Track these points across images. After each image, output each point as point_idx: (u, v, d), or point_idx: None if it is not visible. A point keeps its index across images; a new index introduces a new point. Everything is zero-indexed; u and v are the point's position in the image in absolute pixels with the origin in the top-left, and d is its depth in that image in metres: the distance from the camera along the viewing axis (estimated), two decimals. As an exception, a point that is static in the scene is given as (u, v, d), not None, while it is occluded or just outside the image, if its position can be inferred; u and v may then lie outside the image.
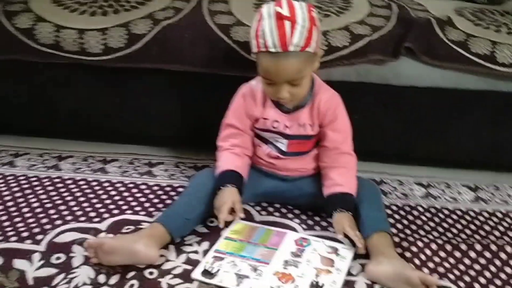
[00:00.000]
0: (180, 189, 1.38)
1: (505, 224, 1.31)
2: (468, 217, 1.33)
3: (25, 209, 1.27)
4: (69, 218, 1.25)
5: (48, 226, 1.21)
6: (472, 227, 1.30)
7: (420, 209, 1.36)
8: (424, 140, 1.48)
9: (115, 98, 1.48)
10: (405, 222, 1.30)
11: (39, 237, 1.17)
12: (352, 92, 1.38)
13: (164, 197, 1.35)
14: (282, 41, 1.06)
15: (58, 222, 1.23)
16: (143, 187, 1.39)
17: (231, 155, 1.25)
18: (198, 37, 1.37)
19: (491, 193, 1.45)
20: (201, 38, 1.37)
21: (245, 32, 1.36)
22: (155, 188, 1.39)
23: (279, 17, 1.07)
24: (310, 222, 1.28)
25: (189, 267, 1.09)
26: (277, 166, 1.29)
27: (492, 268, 1.14)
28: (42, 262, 1.09)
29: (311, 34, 1.08)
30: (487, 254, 1.17)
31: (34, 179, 1.40)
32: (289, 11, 1.07)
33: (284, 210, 1.32)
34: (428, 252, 1.17)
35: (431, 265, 1.14)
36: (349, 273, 1.10)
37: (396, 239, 1.21)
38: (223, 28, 1.38)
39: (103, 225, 1.23)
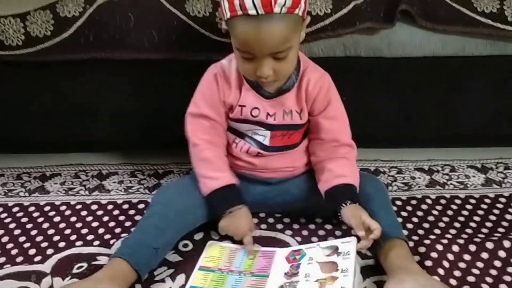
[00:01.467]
0: (141, 206, 1.15)
1: (527, 209, 1.14)
2: (484, 206, 1.15)
3: None
4: (1, 260, 0.99)
5: (-26, 278, 0.94)
6: (492, 217, 1.11)
7: (429, 201, 1.17)
8: (422, 117, 1.29)
9: (48, 99, 1.22)
10: (415, 220, 1.11)
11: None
12: (337, 69, 1.16)
13: (121, 218, 1.11)
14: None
15: (-13, 269, 0.96)
16: (94, 207, 1.15)
17: (215, 154, 1.03)
18: (145, 15, 1.12)
19: (502, 173, 1.27)
20: (149, 17, 1.12)
21: (204, 4, 1.12)
22: (110, 207, 1.15)
23: None
24: (304, 232, 1.07)
25: (163, 314, 0.86)
26: (258, 166, 1.07)
27: (527, 268, 0.96)
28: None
29: None
30: (520, 251, 0.99)
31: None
32: None
33: (271, 220, 1.11)
34: (450, 257, 0.98)
35: (457, 273, 0.94)
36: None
37: (410, 243, 1.00)
38: (176, 2, 1.13)
39: (47, 266, 0.97)
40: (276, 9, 0.85)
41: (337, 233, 1.06)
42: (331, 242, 0.97)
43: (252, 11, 0.85)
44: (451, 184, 1.23)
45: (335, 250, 0.94)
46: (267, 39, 0.88)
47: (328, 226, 1.08)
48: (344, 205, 0.95)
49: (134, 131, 1.29)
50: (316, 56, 1.15)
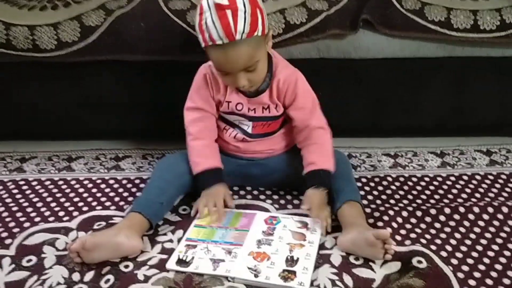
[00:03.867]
0: (150, 181, 1.37)
1: (471, 186, 1.34)
2: (436, 183, 1.36)
3: (-9, 215, 1.24)
4: (37, 219, 1.23)
5: (16, 230, 1.18)
6: (440, 191, 1.32)
7: (389, 179, 1.38)
8: (389, 111, 1.50)
9: (74, 94, 1.45)
10: (375, 193, 1.32)
11: (7, 241, 1.15)
12: (314, 68, 1.39)
13: (134, 190, 1.34)
14: (227, 31, 1.02)
15: (27, 224, 1.20)
16: (111, 182, 1.37)
17: (203, 149, 1.23)
18: (154, 24, 1.34)
19: (457, 157, 1.48)
20: (157, 26, 1.34)
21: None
22: (124, 182, 1.37)
23: (219, 8, 1.02)
24: (282, 201, 1.29)
25: (164, 256, 1.09)
26: (242, 149, 1.29)
27: (462, 229, 1.16)
28: (12, 266, 1.07)
29: (255, 17, 1.05)
30: (456, 217, 1.20)
31: (-3, 183, 1.37)
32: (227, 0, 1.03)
33: (255, 192, 1.32)
34: (399, 219, 1.20)
35: (403, 232, 1.16)
36: (324, 247, 1.12)
37: (368, 210, 1.23)
38: (179, 13, 1.35)
39: (73, 224, 1.21)
40: (238, 37, 1.03)
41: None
42: (304, 218, 1.19)
43: (219, 42, 1.03)
44: (411, 166, 1.44)
45: (305, 225, 1.17)
46: (235, 61, 1.06)
47: (302, 197, 1.28)
48: (310, 189, 1.17)
49: (145, 121, 1.50)
50: (294, 58, 1.37)
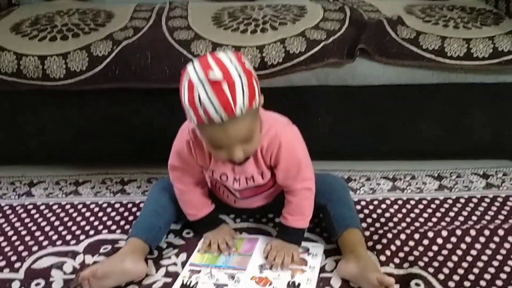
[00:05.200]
0: (154, 205, 1.40)
1: (468, 209, 1.37)
2: (433, 206, 1.39)
3: (0, 238, 1.27)
4: (45, 243, 1.26)
5: (25, 253, 1.22)
6: (438, 214, 1.35)
7: (388, 202, 1.41)
8: (387, 135, 1.54)
9: (81, 120, 1.49)
10: (374, 216, 1.35)
11: (17, 265, 1.18)
12: (313, 95, 1.45)
13: (138, 213, 1.35)
14: (226, 107, 0.92)
15: (35, 248, 1.24)
16: (117, 206, 1.41)
17: (194, 197, 1.22)
18: (159, 54, 1.39)
19: (454, 180, 1.51)
20: (162, 55, 1.39)
21: (205, 45, 1.40)
22: (130, 205, 1.41)
23: (215, 84, 0.92)
24: (283, 224, 1.32)
25: (169, 280, 1.12)
26: (236, 206, 1.29)
27: (459, 252, 1.19)
28: (22, 290, 1.10)
29: (252, 88, 0.96)
30: (453, 239, 1.23)
31: (6, 207, 1.40)
32: (220, 71, 0.92)
33: (257, 215, 1.35)
34: (398, 242, 1.23)
35: (401, 254, 1.19)
36: (324, 270, 1.15)
37: (367, 233, 1.26)
38: (183, 43, 1.41)
39: (80, 247, 1.24)
40: (238, 112, 0.93)
41: (309, 225, 1.30)
42: (304, 243, 1.21)
43: (218, 120, 0.93)
44: (410, 189, 1.47)
45: (306, 250, 1.20)
46: (234, 136, 0.98)
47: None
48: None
49: (150, 146, 1.53)
50: (294, 85, 1.42)
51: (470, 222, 1.31)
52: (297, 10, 1.59)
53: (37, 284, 1.12)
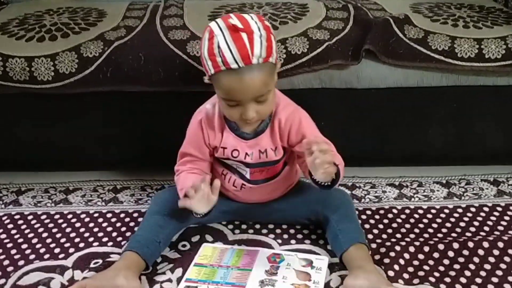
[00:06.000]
0: (149, 214, 1.33)
1: (479, 218, 1.30)
2: (442, 215, 1.32)
3: (-16, 252, 1.20)
4: (32, 257, 1.19)
5: (10, 268, 1.15)
6: (448, 224, 1.28)
7: (395, 211, 1.34)
8: (393, 140, 1.47)
9: (70, 125, 1.42)
10: (381, 226, 1.28)
11: (1, 281, 1.11)
12: (316, 99, 1.38)
13: (132, 224, 1.30)
14: (243, 54, 0.97)
15: (21, 262, 1.17)
16: (109, 215, 1.34)
17: (190, 175, 1.17)
18: (153, 55, 1.32)
19: (463, 187, 1.44)
20: (156, 56, 1.32)
21: (202, 46, 1.32)
22: (122, 215, 1.34)
23: (234, 29, 0.98)
24: (285, 236, 1.25)
25: (163, 298, 1.05)
26: (242, 198, 1.24)
27: (471, 266, 1.12)
28: (5, 309, 1.03)
29: (270, 43, 1.01)
30: (465, 252, 1.16)
31: (-9, 218, 1.33)
32: (241, 23, 0.99)
33: (257, 226, 1.29)
34: (406, 256, 1.15)
35: (410, 269, 1.12)
36: (329, 286, 1.07)
37: (373, 245, 1.19)
38: (179, 43, 1.34)
39: (69, 262, 1.17)
40: (254, 61, 0.98)
41: (312, 236, 1.24)
42: (308, 255, 1.15)
43: (234, 65, 0.97)
44: (417, 197, 1.40)
45: (310, 263, 1.13)
46: (250, 87, 0.99)
47: (305, 231, 1.26)
48: None
49: (143, 152, 1.47)
50: (296, 88, 1.35)
51: (483, 233, 1.24)
52: (298, 8, 1.51)
53: (22, 303, 1.05)
